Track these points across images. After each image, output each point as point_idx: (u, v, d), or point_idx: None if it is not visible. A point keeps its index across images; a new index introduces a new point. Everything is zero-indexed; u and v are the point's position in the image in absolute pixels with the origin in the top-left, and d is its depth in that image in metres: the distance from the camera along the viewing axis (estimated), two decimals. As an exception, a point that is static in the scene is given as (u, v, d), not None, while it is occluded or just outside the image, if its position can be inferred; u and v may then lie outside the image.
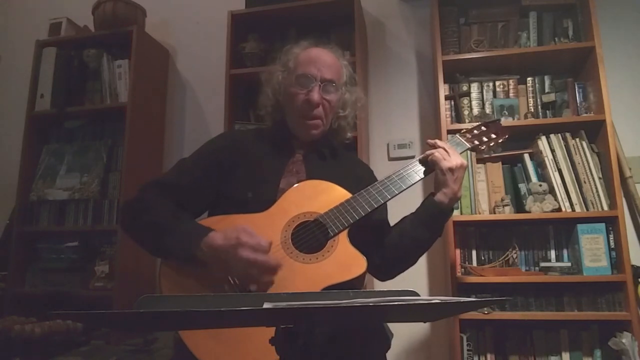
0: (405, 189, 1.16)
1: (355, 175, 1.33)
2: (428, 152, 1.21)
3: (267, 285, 1.03)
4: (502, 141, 1.33)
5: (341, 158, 1.36)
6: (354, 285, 1.06)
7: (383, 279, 1.30)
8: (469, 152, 1.78)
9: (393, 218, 1.30)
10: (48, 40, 2.52)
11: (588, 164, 1.88)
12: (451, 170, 1.16)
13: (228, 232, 1.04)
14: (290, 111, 1.29)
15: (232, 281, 1.04)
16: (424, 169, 1.20)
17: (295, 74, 1.26)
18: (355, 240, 1.12)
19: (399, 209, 1.32)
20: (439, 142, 1.22)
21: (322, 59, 1.26)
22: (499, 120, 1.37)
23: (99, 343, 1.82)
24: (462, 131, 1.34)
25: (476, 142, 1.30)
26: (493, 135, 1.32)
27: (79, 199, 2.31)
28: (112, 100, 2.38)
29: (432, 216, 1.19)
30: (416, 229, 1.20)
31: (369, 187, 1.17)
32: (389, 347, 1.20)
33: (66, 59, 2.46)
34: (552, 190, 1.89)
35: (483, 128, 1.34)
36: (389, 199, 1.16)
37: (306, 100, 1.23)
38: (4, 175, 2.66)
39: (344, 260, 1.07)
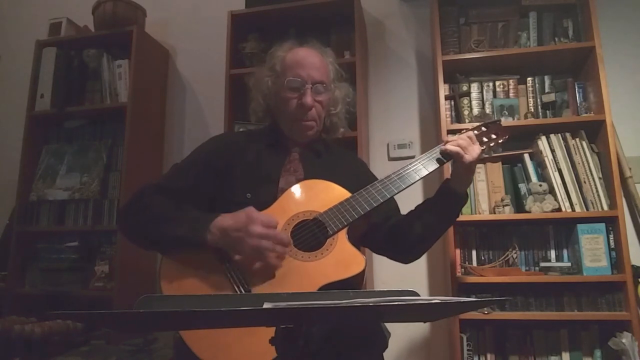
0: (404, 189, 1.17)
1: (351, 169, 1.35)
2: (449, 147, 1.19)
3: (276, 264, 1.05)
4: (502, 142, 1.32)
5: (335, 153, 1.37)
6: (353, 284, 1.06)
7: (406, 261, 1.32)
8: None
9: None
10: (48, 40, 2.52)
11: (588, 164, 1.88)
12: (472, 164, 1.18)
13: (236, 214, 1.07)
14: (283, 115, 1.30)
15: (232, 275, 1.06)
16: (423, 169, 1.20)
17: (284, 78, 1.26)
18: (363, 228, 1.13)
19: (402, 206, 1.33)
20: (465, 134, 1.23)
21: (309, 61, 1.26)
22: (499, 120, 1.37)
23: (99, 343, 1.82)
24: (462, 132, 1.34)
25: None
26: (493, 136, 1.32)
27: (79, 199, 2.31)
28: (112, 100, 2.38)
29: (451, 202, 1.23)
30: (436, 214, 1.23)
31: (368, 186, 1.17)
32: (386, 347, 1.20)
33: (66, 59, 2.46)
34: (552, 190, 1.89)
35: (483, 129, 1.33)
36: (388, 198, 1.16)
37: (300, 104, 1.24)
38: (4, 175, 2.66)
39: (343, 258, 1.07)
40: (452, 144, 1.18)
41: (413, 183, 1.19)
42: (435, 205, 1.24)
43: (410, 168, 1.20)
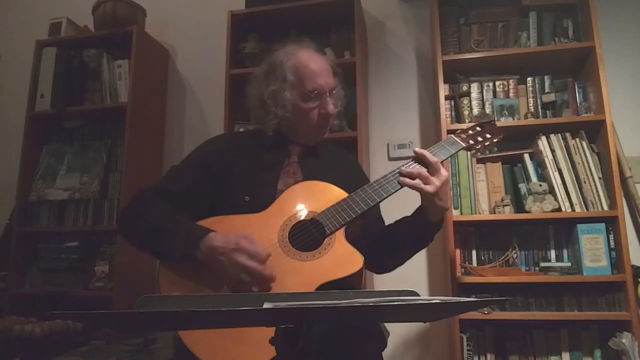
0: (401, 188, 1.16)
1: (348, 170, 1.37)
2: (401, 179, 1.13)
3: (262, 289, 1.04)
4: (497, 141, 1.33)
5: (333, 155, 1.38)
6: (352, 283, 1.06)
7: (377, 272, 1.32)
8: (467, 153, 1.79)
9: (393, 216, 1.30)
10: (48, 40, 2.52)
11: (588, 164, 1.88)
12: (437, 194, 1.10)
13: (229, 235, 1.05)
14: (301, 124, 1.28)
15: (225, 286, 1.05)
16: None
17: (304, 89, 1.23)
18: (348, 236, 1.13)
19: (399, 206, 1.33)
20: (427, 155, 1.14)
21: (323, 68, 1.26)
22: (494, 120, 1.38)
23: (99, 343, 1.82)
24: (458, 131, 1.35)
25: (471, 142, 1.30)
26: (488, 136, 1.32)
27: (79, 199, 2.31)
28: (112, 100, 2.38)
29: (423, 230, 1.19)
30: (408, 237, 1.20)
31: (365, 186, 1.17)
32: (385, 346, 1.20)
33: (66, 59, 2.46)
34: (552, 190, 1.89)
35: (478, 128, 1.34)
36: (385, 198, 1.15)
37: (325, 113, 1.25)
38: (4, 175, 2.66)
39: (341, 257, 1.07)
40: (412, 174, 1.12)
41: None
42: (409, 228, 1.20)
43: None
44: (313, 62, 1.26)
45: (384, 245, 1.23)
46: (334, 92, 1.28)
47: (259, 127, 1.33)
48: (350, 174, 1.33)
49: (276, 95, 1.26)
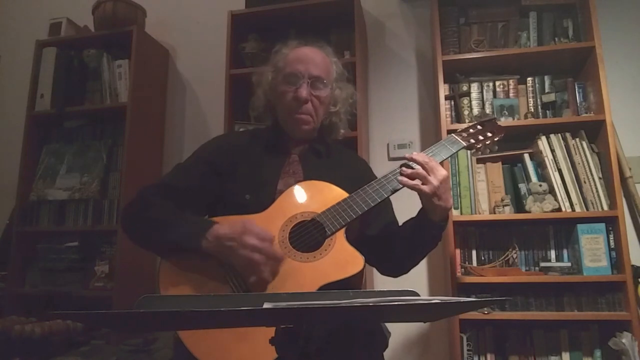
0: (401, 188, 1.15)
1: (353, 171, 1.34)
2: (401, 178, 1.12)
3: (268, 278, 1.04)
4: (498, 140, 1.32)
5: (337, 155, 1.36)
6: (352, 284, 1.06)
7: (392, 275, 1.30)
8: (467, 152, 1.79)
9: (404, 216, 1.29)
10: (48, 40, 2.52)
11: (588, 164, 1.88)
12: (435, 193, 1.08)
13: (233, 221, 1.07)
14: (280, 110, 1.30)
15: (232, 281, 1.05)
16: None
17: (283, 72, 1.27)
18: (361, 239, 1.13)
19: (402, 206, 1.32)
20: (416, 157, 1.12)
21: (310, 57, 1.27)
22: (495, 118, 1.37)
23: (99, 343, 1.82)
24: (458, 130, 1.34)
25: (472, 141, 1.29)
26: (489, 134, 1.31)
27: (79, 199, 2.31)
28: (112, 100, 2.39)
29: (426, 230, 1.16)
30: (414, 238, 1.19)
31: (365, 186, 1.16)
32: (386, 346, 1.20)
33: (66, 59, 2.46)
34: (552, 190, 1.89)
35: (479, 127, 1.33)
36: (386, 198, 1.15)
37: (295, 97, 1.24)
38: (4, 175, 2.66)
39: (342, 258, 1.07)
40: (410, 176, 1.10)
41: None
42: (413, 229, 1.18)
43: None
44: (303, 52, 1.29)
45: (394, 248, 1.22)
46: (319, 83, 1.25)
47: (261, 125, 1.34)
48: (356, 175, 1.29)
49: (262, 78, 1.34)
